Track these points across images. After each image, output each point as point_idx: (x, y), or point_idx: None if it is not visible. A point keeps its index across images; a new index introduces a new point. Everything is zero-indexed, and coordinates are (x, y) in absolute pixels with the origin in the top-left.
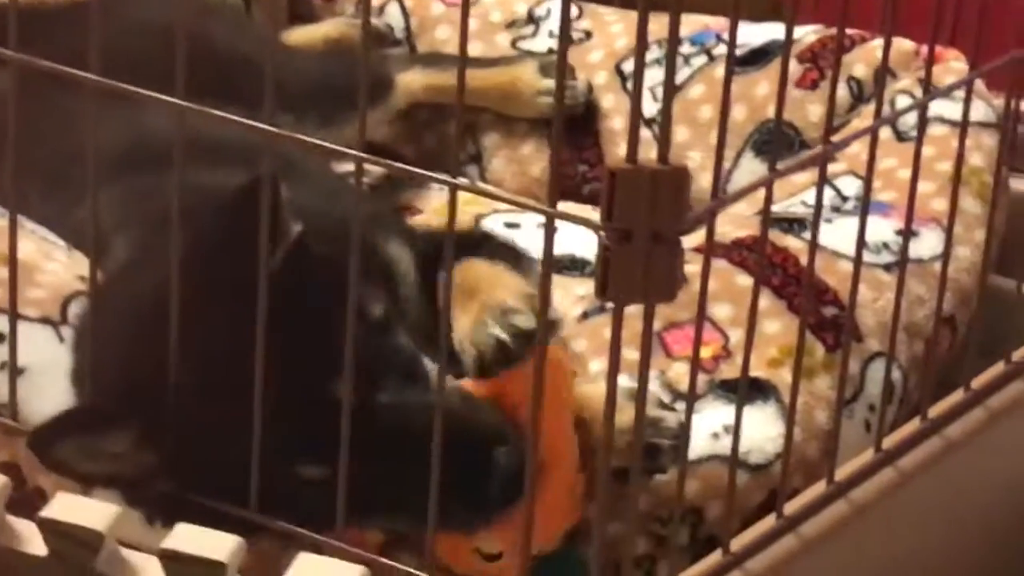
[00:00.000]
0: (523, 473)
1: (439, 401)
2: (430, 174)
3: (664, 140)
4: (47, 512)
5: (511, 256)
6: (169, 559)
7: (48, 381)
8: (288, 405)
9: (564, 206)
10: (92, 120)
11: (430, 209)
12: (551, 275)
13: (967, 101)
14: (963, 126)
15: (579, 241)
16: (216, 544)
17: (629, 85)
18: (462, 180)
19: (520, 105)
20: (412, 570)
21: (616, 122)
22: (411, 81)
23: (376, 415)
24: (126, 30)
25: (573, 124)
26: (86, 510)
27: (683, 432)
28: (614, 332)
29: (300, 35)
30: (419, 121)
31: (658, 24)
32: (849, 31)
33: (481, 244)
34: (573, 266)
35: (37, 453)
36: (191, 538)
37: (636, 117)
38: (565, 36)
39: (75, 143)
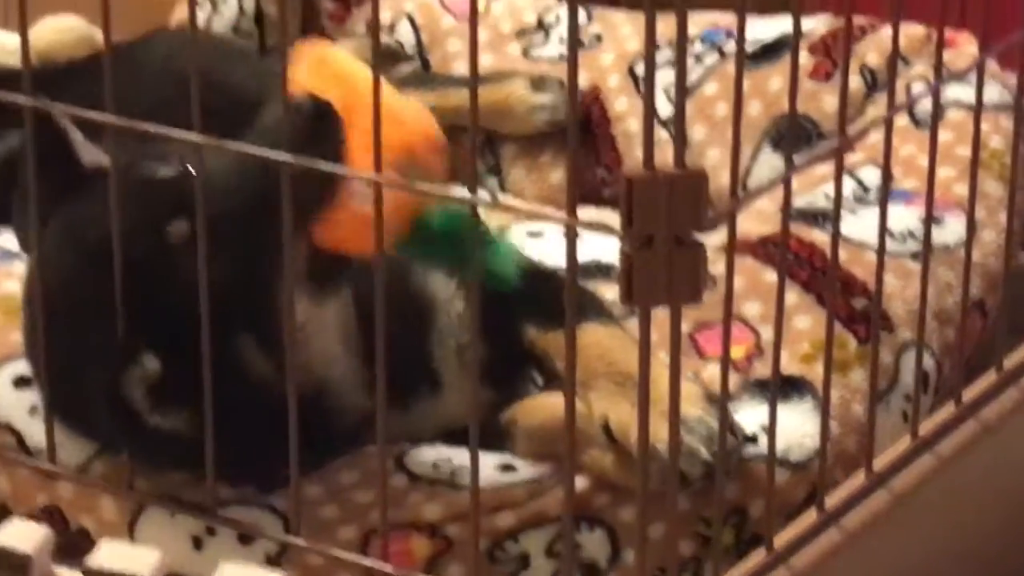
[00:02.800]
0: None
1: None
2: (449, 193)
3: (679, 143)
4: (93, 560)
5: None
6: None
7: None
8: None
9: (584, 211)
10: (114, 162)
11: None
12: (577, 285)
13: (979, 83)
14: (977, 109)
15: (603, 247)
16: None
17: (643, 87)
18: (482, 195)
19: (514, 122)
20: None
21: (631, 124)
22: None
23: None
24: (138, 78)
25: (585, 129)
26: (131, 557)
27: (720, 433)
28: (642, 336)
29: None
30: None
31: (667, 25)
32: (859, 20)
33: (548, 279)
34: (599, 272)
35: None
36: (116, 555)
37: (650, 123)
38: (574, 40)
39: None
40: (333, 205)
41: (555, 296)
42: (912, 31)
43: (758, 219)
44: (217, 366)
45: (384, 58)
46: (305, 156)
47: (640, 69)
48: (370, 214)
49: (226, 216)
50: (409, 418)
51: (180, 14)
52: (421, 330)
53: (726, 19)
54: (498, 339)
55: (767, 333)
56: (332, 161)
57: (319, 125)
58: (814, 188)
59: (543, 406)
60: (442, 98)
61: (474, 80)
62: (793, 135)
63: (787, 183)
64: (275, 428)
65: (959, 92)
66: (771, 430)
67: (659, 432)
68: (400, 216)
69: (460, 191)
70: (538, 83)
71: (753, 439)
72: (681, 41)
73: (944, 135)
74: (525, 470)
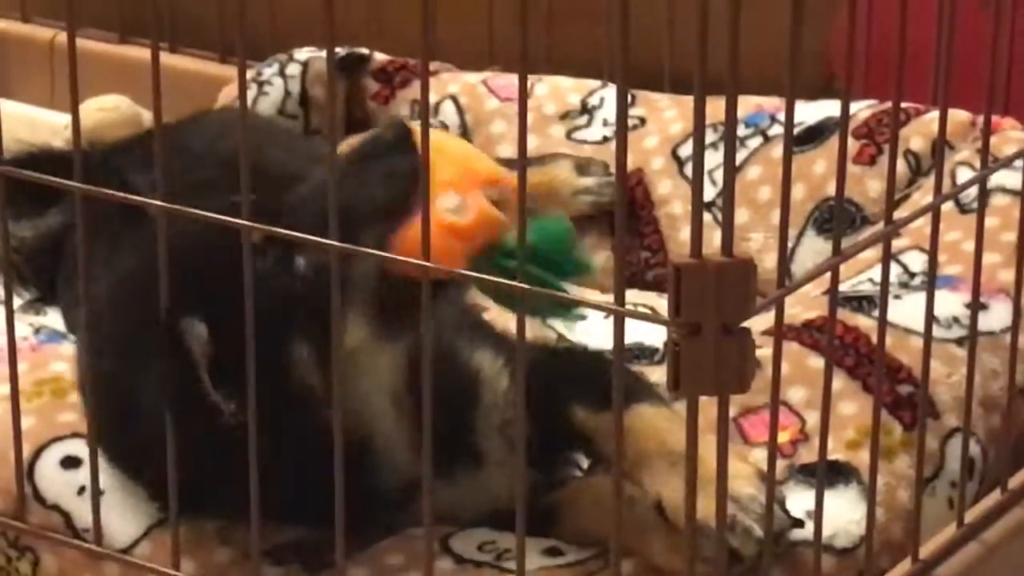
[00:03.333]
0: None
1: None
2: (496, 279)
3: (727, 231)
4: None
5: (636, 378)
6: None
7: (121, 498)
8: None
9: (629, 294)
10: (162, 243)
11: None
12: (624, 372)
13: None
14: (1023, 194)
15: (646, 329)
16: None
17: (686, 170)
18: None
19: (559, 204)
20: None
21: (676, 207)
22: None
23: None
24: (186, 159)
25: (629, 211)
26: None
27: (766, 519)
28: (689, 426)
29: (356, 141)
30: None
31: (712, 107)
32: (903, 104)
33: (593, 360)
34: (642, 354)
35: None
36: None
37: (698, 211)
38: (623, 124)
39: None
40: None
41: (603, 377)
42: (957, 116)
43: (801, 303)
44: (272, 372)
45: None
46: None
47: (683, 151)
48: (449, 224)
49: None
50: (453, 491)
51: (225, 96)
52: (466, 404)
53: (770, 102)
54: (543, 418)
55: (812, 419)
56: (411, 171)
57: (400, 142)
58: (858, 273)
59: (590, 488)
60: None
61: (522, 162)
62: (840, 221)
63: (835, 271)
64: (322, 480)
65: (1004, 178)
66: (817, 515)
67: (711, 511)
68: (483, 229)
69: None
70: (583, 166)
71: (800, 523)
72: (731, 128)
73: (989, 220)
74: (572, 554)
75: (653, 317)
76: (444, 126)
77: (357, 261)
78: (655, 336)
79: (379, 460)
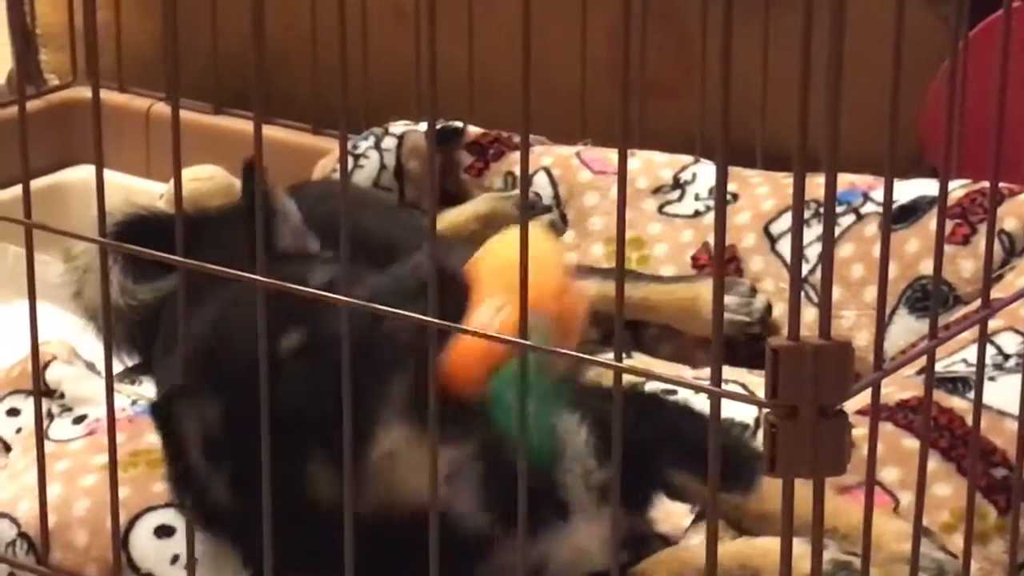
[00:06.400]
0: None
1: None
2: (595, 359)
3: (825, 314)
4: None
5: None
6: None
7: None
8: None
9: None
10: (263, 320)
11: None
12: (720, 457)
13: None
14: None
15: (736, 405)
16: None
17: (778, 247)
18: (626, 362)
19: (700, 323)
20: None
21: (767, 284)
22: (586, 289)
23: None
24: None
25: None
26: None
27: None
28: (784, 508)
29: (451, 215)
30: None
31: (807, 185)
32: (999, 185)
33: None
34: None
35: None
36: None
37: (796, 291)
38: (721, 202)
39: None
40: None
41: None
42: None
43: (895, 383)
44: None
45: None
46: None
47: (775, 228)
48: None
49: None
50: (538, 547)
51: (321, 169)
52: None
53: (863, 180)
54: (633, 472)
55: (906, 499)
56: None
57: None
58: (952, 353)
59: (677, 558)
60: (631, 289)
61: (621, 235)
62: (935, 304)
63: (931, 355)
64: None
65: None
66: None
67: None
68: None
69: (607, 356)
70: (730, 286)
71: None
72: (830, 209)
73: None
74: None
75: (751, 399)
76: (538, 196)
77: (399, 374)
78: (746, 412)
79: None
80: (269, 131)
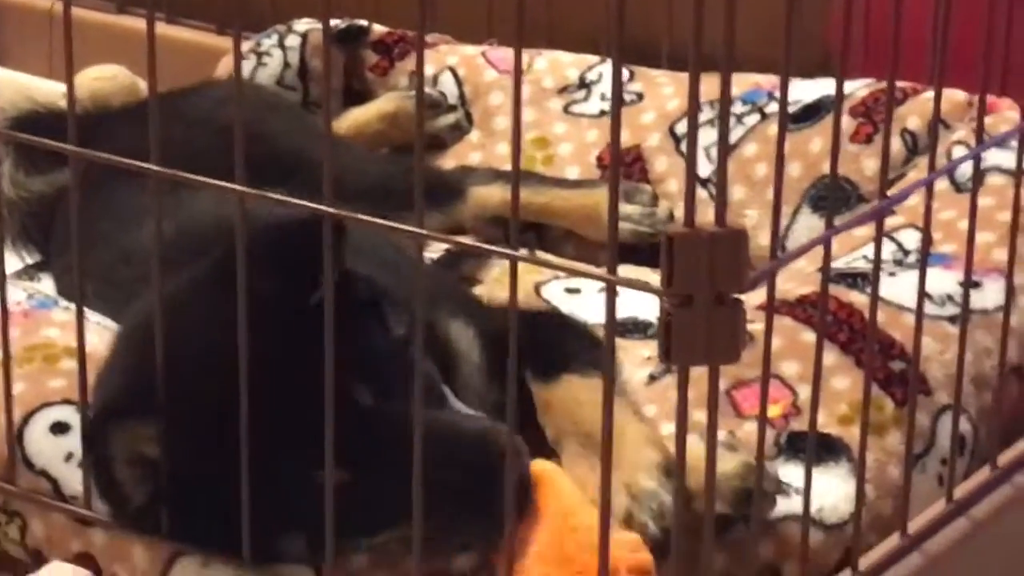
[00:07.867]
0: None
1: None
2: (490, 247)
3: (721, 202)
4: None
5: (590, 344)
6: None
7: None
8: (307, 411)
9: (623, 268)
10: (158, 211)
11: (490, 279)
12: (615, 343)
13: (1021, 148)
14: (1018, 174)
15: (640, 303)
16: None
17: (682, 147)
18: (522, 251)
19: (602, 230)
20: None
21: (672, 184)
22: (489, 195)
23: (389, 422)
24: (184, 126)
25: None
26: None
27: (755, 492)
28: (680, 396)
29: (356, 114)
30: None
31: (709, 85)
32: (900, 84)
33: (558, 325)
34: (636, 328)
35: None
36: None
37: (691, 181)
38: (617, 99)
39: (127, 242)
40: None
41: (560, 342)
42: (953, 96)
43: (796, 279)
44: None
45: (427, 108)
46: None
47: (680, 128)
48: None
49: None
50: None
51: (224, 67)
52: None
53: (768, 80)
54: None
55: (804, 392)
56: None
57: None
58: (853, 250)
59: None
60: (533, 195)
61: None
62: (834, 197)
63: (827, 245)
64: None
65: (1000, 157)
66: (806, 490)
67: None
68: None
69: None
70: (629, 192)
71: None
72: (725, 103)
73: (984, 200)
74: None
75: (645, 286)
76: (443, 95)
77: None
78: (649, 310)
79: None
80: (172, 31)
